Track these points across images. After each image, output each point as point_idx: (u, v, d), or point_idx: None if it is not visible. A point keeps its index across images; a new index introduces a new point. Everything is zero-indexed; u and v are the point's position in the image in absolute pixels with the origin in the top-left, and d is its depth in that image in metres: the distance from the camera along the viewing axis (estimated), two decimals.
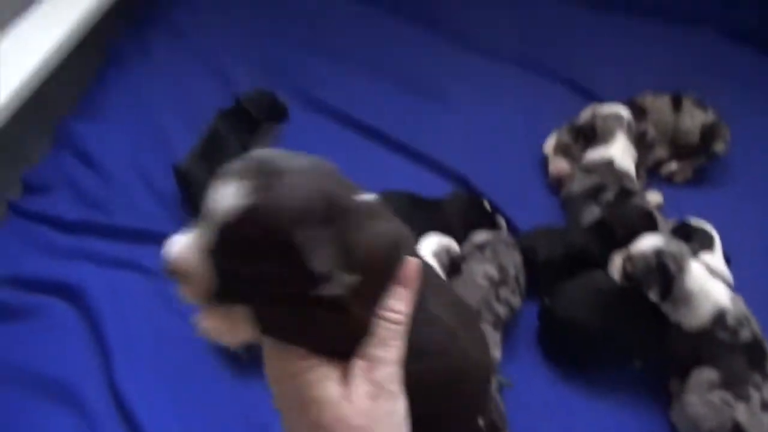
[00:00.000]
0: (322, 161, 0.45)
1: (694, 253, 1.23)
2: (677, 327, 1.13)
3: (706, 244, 1.29)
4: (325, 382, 0.43)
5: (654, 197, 1.49)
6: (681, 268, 1.12)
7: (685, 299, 1.12)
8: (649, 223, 1.29)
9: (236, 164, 0.42)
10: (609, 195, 1.37)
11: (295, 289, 0.42)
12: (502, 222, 1.40)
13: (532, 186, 1.57)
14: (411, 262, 0.47)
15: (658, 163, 1.61)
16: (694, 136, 1.56)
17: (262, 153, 0.44)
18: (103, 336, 1.18)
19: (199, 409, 1.11)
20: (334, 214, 0.42)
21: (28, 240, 1.33)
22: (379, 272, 0.45)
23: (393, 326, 0.45)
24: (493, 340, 1.14)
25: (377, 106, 1.75)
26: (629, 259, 1.18)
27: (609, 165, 1.42)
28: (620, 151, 1.44)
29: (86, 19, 1.62)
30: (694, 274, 1.12)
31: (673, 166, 1.60)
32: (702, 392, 1.08)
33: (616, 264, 1.22)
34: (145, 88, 1.76)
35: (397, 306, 0.45)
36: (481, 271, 1.20)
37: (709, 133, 1.56)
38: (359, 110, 1.71)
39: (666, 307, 1.14)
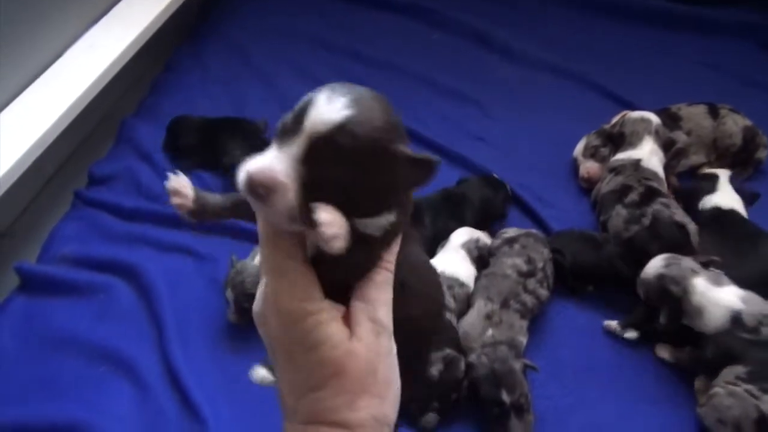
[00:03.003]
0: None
1: (705, 194, 1.41)
2: (701, 333, 1.18)
3: (710, 187, 1.42)
4: (332, 322, 0.47)
5: None
6: (684, 290, 1.17)
7: (697, 312, 1.17)
8: (683, 235, 1.30)
9: (320, 89, 0.45)
10: (634, 196, 1.39)
11: (377, 197, 0.46)
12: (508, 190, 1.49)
13: (563, 188, 1.61)
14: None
15: (695, 168, 1.63)
16: (738, 139, 1.58)
17: (335, 85, 0.46)
18: (157, 314, 1.28)
19: (246, 386, 1.18)
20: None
21: (91, 225, 1.46)
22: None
23: (388, 273, 0.50)
24: (520, 327, 1.19)
25: (416, 110, 1.83)
26: (641, 282, 1.24)
27: (636, 164, 1.46)
28: (647, 154, 1.48)
29: (146, 31, 1.76)
30: (698, 291, 1.17)
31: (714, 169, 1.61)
32: (728, 384, 1.10)
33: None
34: (198, 93, 1.89)
35: (390, 258, 0.50)
36: (510, 263, 1.26)
37: (750, 137, 1.59)
38: (401, 116, 1.78)
39: (685, 321, 1.19)
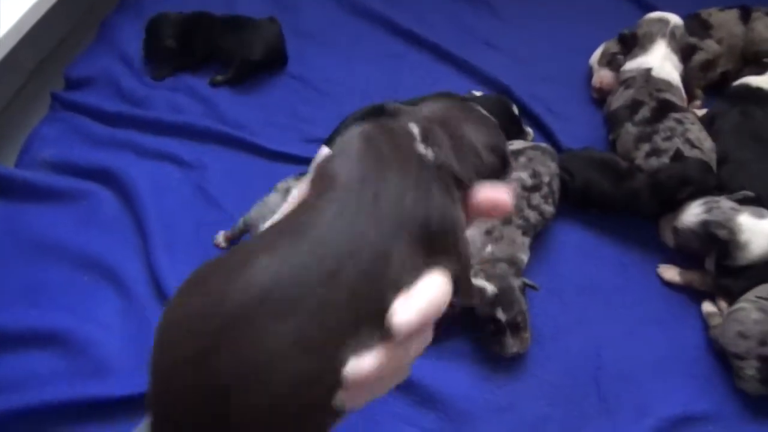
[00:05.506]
0: None
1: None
2: (742, 265, 1.12)
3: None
4: None
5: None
6: (731, 230, 1.10)
7: (742, 248, 1.11)
8: (708, 176, 1.19)
9: None
10: (645, 112, 1.27)
11: None
12: (529, 130, 1.37)
13: (577, 99, 1.50)
14: None
15: (725, 77, 1.49)
16: (767, 45, 1.44)
17: None
18: (142, 221, 1.22)
19: None
20: None
21: (72, 129, 1.37)
22: None
23: None
24: (521, 244, 1.12)
25: (422, 14, 1.70)
26: (676, 231, 1.16)
27: (646, 74, 1.33)
28: (659, 60, 1.34)
29: None
30: (745, 228, 1.10)
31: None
32: (760, 299, 1.06)
33: (667, 231, 1.20)
34: None
35: None
36: (513, 176, 1.17)
37: None
38: (405, 18, 1.66)
39: (727, 262, 1.12)
